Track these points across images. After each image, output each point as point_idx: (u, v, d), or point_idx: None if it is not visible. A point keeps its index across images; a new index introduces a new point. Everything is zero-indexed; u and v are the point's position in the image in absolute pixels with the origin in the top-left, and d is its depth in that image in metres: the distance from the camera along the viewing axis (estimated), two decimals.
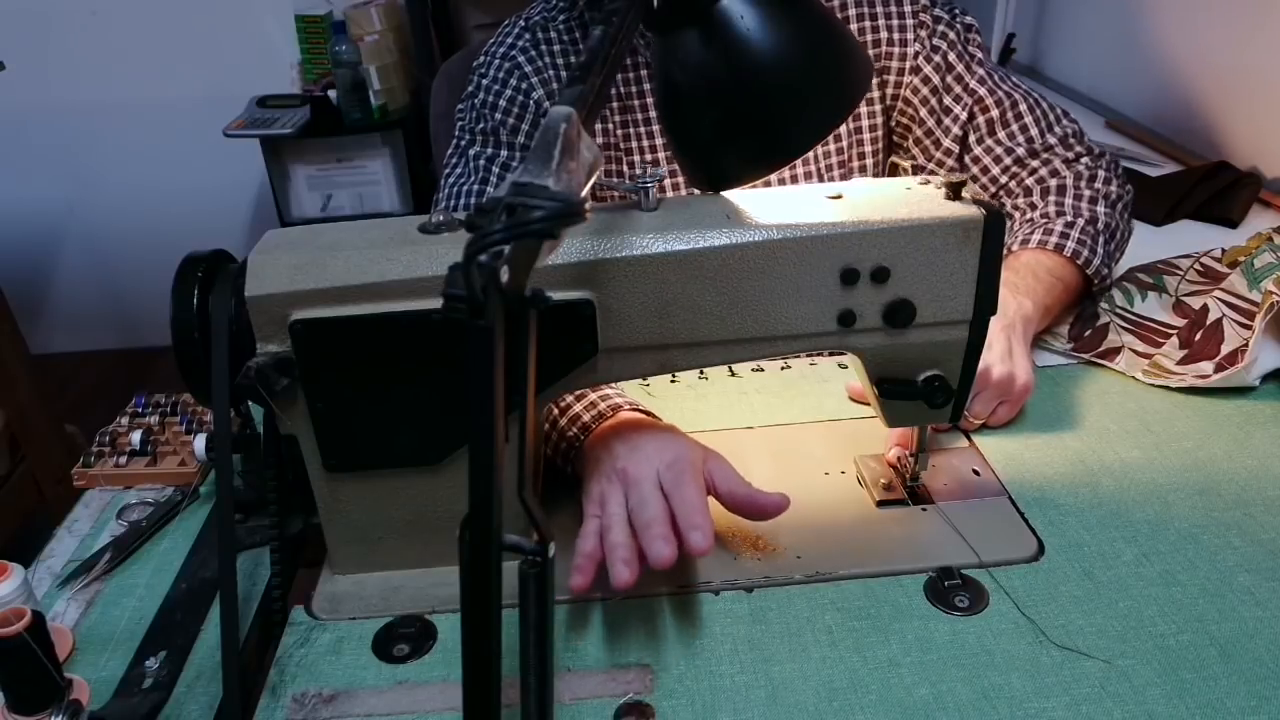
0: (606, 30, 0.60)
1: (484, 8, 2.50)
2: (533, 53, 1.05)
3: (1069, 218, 0.99)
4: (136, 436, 0.90)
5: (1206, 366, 0.93)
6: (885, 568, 0.73)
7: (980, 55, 1.05)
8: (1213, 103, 1.60)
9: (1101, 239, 0.99)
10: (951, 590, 0.71)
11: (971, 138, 1.05)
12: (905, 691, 0.64)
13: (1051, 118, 1.06)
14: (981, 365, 0.77)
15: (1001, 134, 1.04)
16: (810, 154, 1.05)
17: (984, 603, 0.70)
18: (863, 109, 1.05)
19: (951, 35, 1.04)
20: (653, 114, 1.05)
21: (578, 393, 0.81)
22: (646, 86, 1.04)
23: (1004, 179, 1.06)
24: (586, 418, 0.79)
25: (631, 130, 1.05)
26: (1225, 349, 0.94)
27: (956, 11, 1.06)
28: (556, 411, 0.81)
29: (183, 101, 2.70)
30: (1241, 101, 1.53)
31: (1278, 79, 1.44)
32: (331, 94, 2.50)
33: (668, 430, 0.77)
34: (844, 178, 1.07)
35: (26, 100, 2.67)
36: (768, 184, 0.85)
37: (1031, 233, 0.99)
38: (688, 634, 0.69)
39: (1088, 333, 1.02)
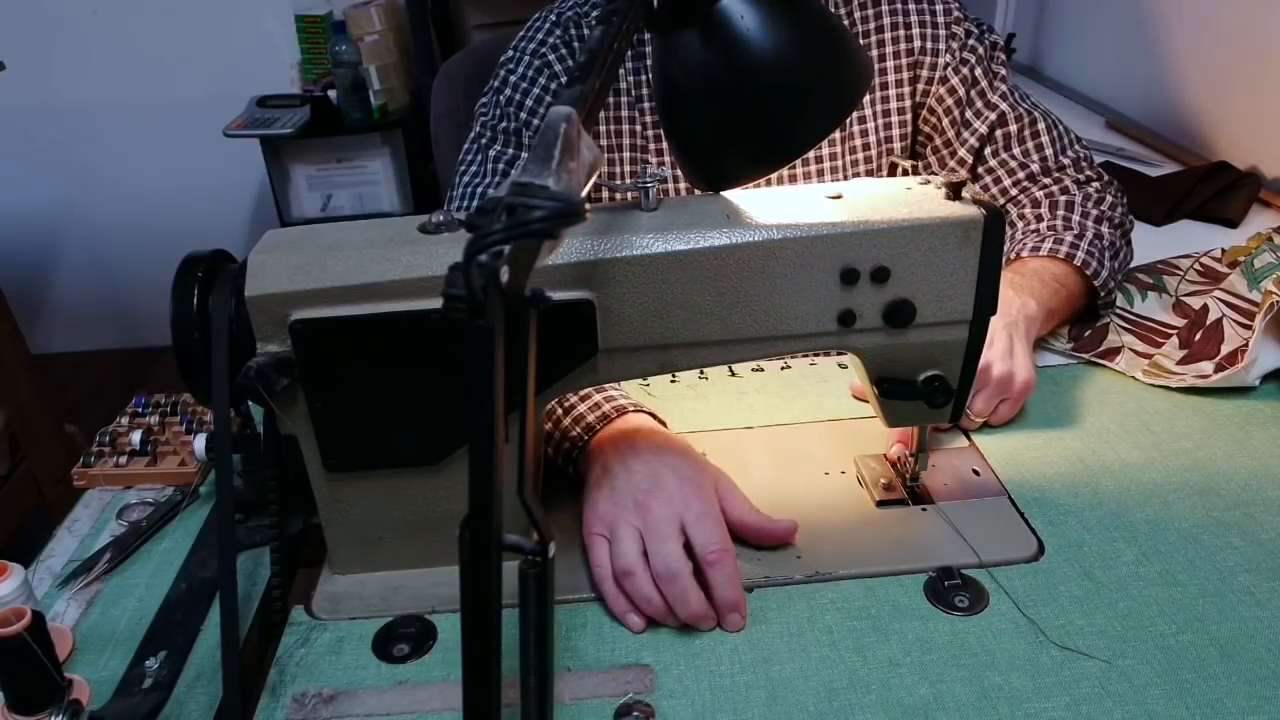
0: (606, 30, 0.60)
1: (484, 8, 2.49)
2: (563, 50, 1.03)
3: (1077, 231, 1.00)
4: (136, 436, 0.90)
5: (1206, 366, 0.93)
6: (885, 568, 0.73)
7: (1004, 72, 1.06)
8: (1213, 103, 1.60)
9: (1108, 254, 1.00)
10: (951, 590, 0.71)
11: (987, 150, 1.06)
12: (905, 691, 0.64)
13: (1067, 140, 1.07)
14: (982, 362, 0.77)
15: (1017, 150, 1.05)
16: (810, 154, 1.05)
17: (984, 603, 0.70)
18: (867, 110, 1.05)
19: (980, 50, 1.04)
20: (637, 113, 1.04)
21: (581, 392, 0.81)
22: (631, 82, 1.04)
23: (1014, 191, 1.07)
24: (591, 418, 0.79)
25: (625, 128, 1.04)
26: (1225, 349, 0.94)
27: (985, 27, 1.07)
28: (560, 411, 0.81)
29: (183, 101, 2.70)
30: (1241, 101, 1.53)
31: (1278, 79, 1.44)
32: (331, 94, 2.49)
33: (683, 453, 0.75)
34: (844, 178, 1.07)
35: (26, 100, 2.67)
36: (768, 184, 0.85)
37: (1040, 241, 0.99)
38: (688, 634, 0.69)
39: (1088, 333, 1.02)
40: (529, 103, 1.02)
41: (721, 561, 0.68)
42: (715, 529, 0.70)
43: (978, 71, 1.04)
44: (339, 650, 0.70)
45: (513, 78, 1.03)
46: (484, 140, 1.05)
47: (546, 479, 0.82)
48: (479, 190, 1.02)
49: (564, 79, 1.01)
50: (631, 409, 0.80)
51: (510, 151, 1.03)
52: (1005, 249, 1.00)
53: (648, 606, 0.68)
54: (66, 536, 0.83)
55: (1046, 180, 1.06)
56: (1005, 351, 0.86)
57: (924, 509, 0.79)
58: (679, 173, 1.03)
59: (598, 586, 0.71)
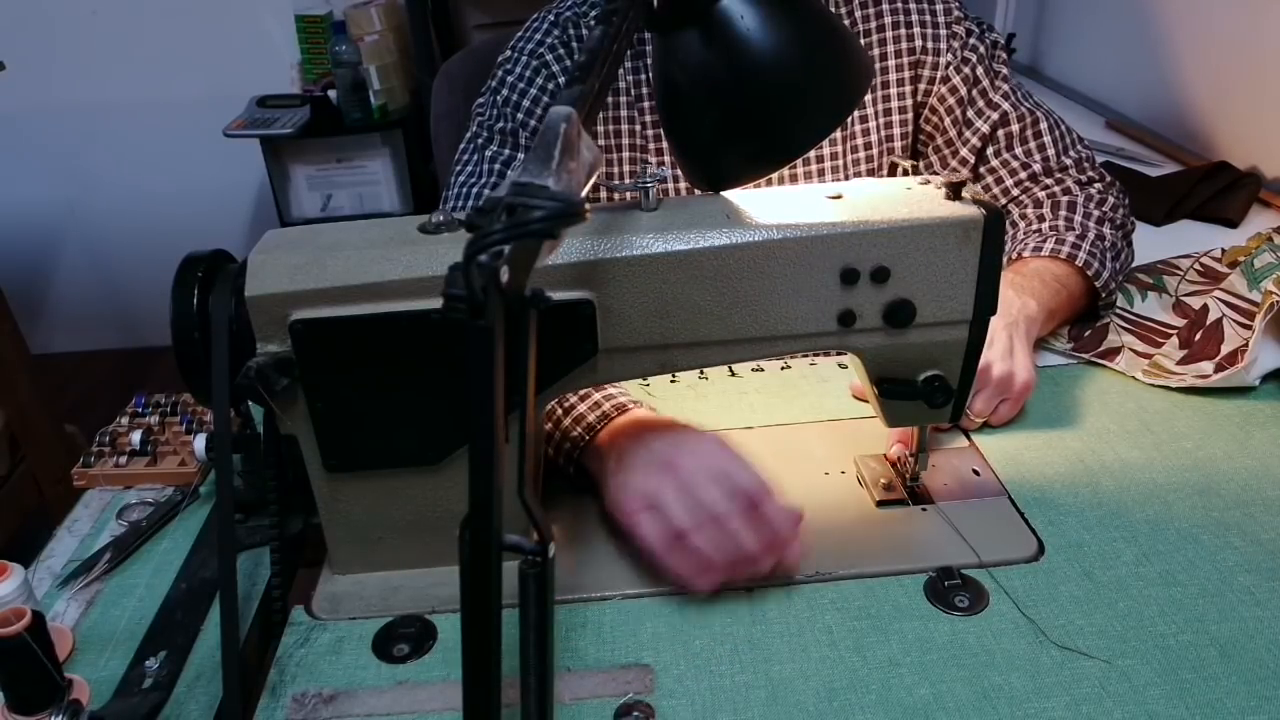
0: (606, 30, 0.60)
1: (484, 8, 2.49)
2: (561, 51, 1.03)
3: (1078, 232, 1.00)
4: (136, 436, 0.90)
5: (1206, 366, 0.93)
6: (885, 568, 0.73)
7: (1005, 71, 1.06)
8: (1213, 103, 1.60)
9: (1109, 255, 1.00)
10: (951, 590, 0.71)
11: (989, 149, 1.06)
12: (905, 691, 0.64)
13: (1069, 140, 1.07)
14: (982, 362, 0.77)
15: (1019, 149, 1.05)
16: (811, 154, 1.05)
17: (984, 603, 0.70)
18: (868, 109, 1.05)
19: (981, 49, 1.04)
20: (636, 113, 1.04)
21: (581, 392, 0.81)
22: (630, 82, 1.04)
23: (1016, 191, 1.06)
24: (591, 417, 0.79)
25: (624, 128, 1.04)
26: (1225, 349, 0.94)
27: (986, 26, 1.07)
28: (560, 411, 0.81)
29: (183, 101, 2.70)
30: (1241, 101, 1.53)
31: (1277, 79, 1.44)
32: (331, 94, 2.49)
33: (693, 428, 0.76)
34: (845, 178, 1.07)
35: (26, 100, 2.67)
36: (768, 184, 0.85)
37: (1042, 242, 0.99)
38: (688, 634, 0.69)
39: (1088, 333, 1.02)
40: (526, 103, 1.02)
41: (768, 495, 0.69)
42: (748, 470, 0.70)
43: (979, 70, 1.04)
44: (339, 650, 0.70)
45: (510, 78, 1.03)
46: (480, 140, 1.05)
47: (546, 479, 0.82)
48: (474, 191, 1.02)
49: (562, 80, 1.01)
50: (632, 406, 0.80)
51: (506, 152, 1.03)
52: (1006, 249, 1.00)
53: (714, 557, 0.68)
54: (66, 536, 0.83)
55: (1049, 180, 1.05)
56: (1005, 351, 0.86)
57: (924, 509, 0.79)
58: (679, 173, 1.03)
59: (656, 561, 0.70)
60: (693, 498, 0.69)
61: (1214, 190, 1.39)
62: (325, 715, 0.65)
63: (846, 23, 1.03)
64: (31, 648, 0.59)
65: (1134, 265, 1.09)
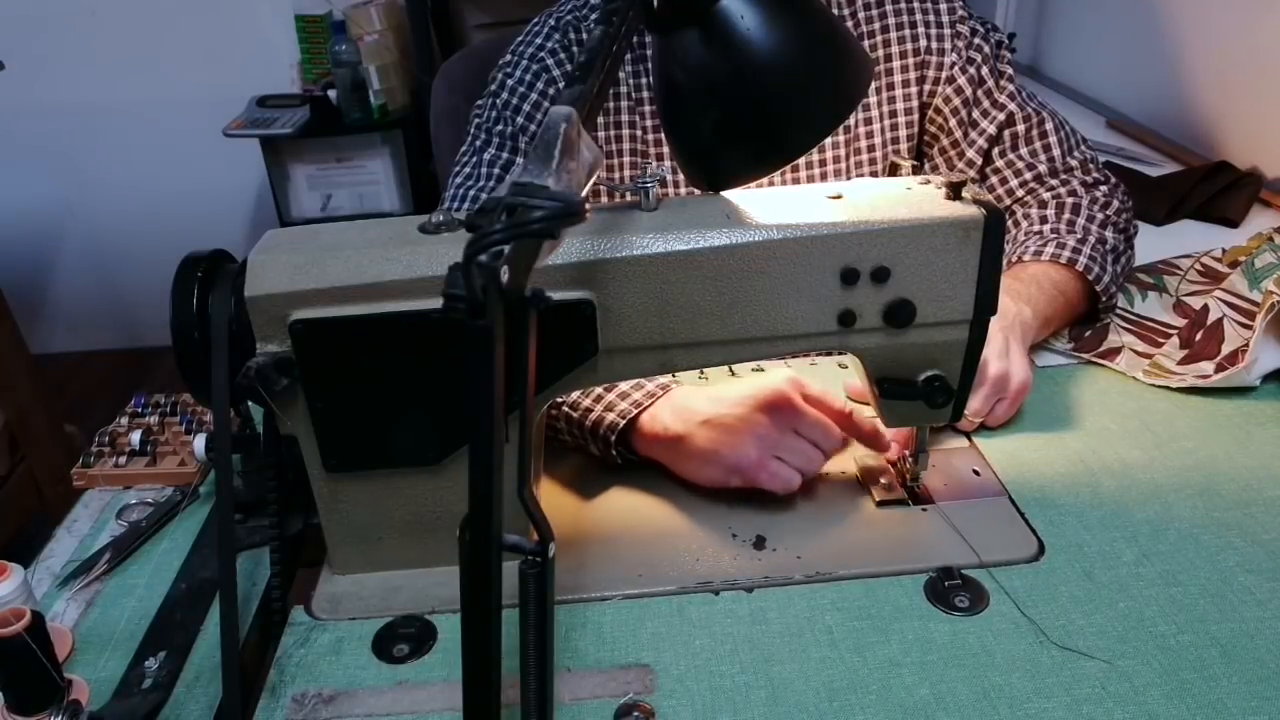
0: (606, 30, 0.60)
1: (484, 8, 2.49)
2: (562, 55, 1.03)
3: (1080, 235, 1.00)
4: (136, 436, 0.90)
5: (1207, 366, 0.93)
6: (885, 568, 0.73)
7: (1010, 71, 1.05)
8: (1213, 103, 1.60)
9: (1109, 259, 1.00)
10: (951, 590, 0.71)
11: (994, 150, 1.05)
12: (905, 691, 0.64)
13: (1073, 141, 1.07)
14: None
15: (1024, 150, 1.05)
16: (814, 154, 1.05)
17: (984, 603, 0.70)
18: (873, 110, 1.05)
19: (986, 49, 1.04)
20: (637, 116, 1.04)
21: (607, 386, 0.83)
22: (631, 85, 1.04)
23: (1021, 192, 1.06)
24: (637, 395, 0.82)
25: (625, 131, 1.04)
26: (1225, 349, 0.94)
27: (990, 26, 1.06)
28: (588, 400, 0.83)
29: (183, 101, 2.70)
30: (1241, 102, 1.53)
31: (1278, 79, 1.44)
32: (331, 94, 2.49)
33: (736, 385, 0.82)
34: (848, 179, 1.06)
35: (26, 100, 2.67)
36: (770, 184, 0.85)
37: (1043, 245, 0.99)
38: (688, 634, 0.69)
39: (1088, 333, 1.02)
40: (526, 107, 1.02)
41: (852, 412, 0.82)
42: (823, 391, 0.82)
43: (984, 71, 1.03)
44: (339, 650, 0.70)
45: (510, 81, 1.03)
46: (478, 143, 1.04)
47: (546, 475, 0.82)
48: (471, 194, 1.02)
49: (561, 84, 1.01)
50: (674, 386, 0.84)
51: (505, 156, 1.02)
52: (1007, 251, 1.00)
53: (837, 446, 0.81)
54: (66, 536, 0.83)
55: (1054, 181, 1.05)
56: (1001, 351, 0.86)
57: (924, 509, 0.79)
58: (679, 176, 1.03)
59: (804, 464, 0.79)
60: (798, 432, 0.79)
61: (1215, 190, 1.39)
62: (325, 715, 0.65)
63: (850, 24, 1.03)
64: (31, 648, 0.59)
65: (1134, 266, 1.09)
